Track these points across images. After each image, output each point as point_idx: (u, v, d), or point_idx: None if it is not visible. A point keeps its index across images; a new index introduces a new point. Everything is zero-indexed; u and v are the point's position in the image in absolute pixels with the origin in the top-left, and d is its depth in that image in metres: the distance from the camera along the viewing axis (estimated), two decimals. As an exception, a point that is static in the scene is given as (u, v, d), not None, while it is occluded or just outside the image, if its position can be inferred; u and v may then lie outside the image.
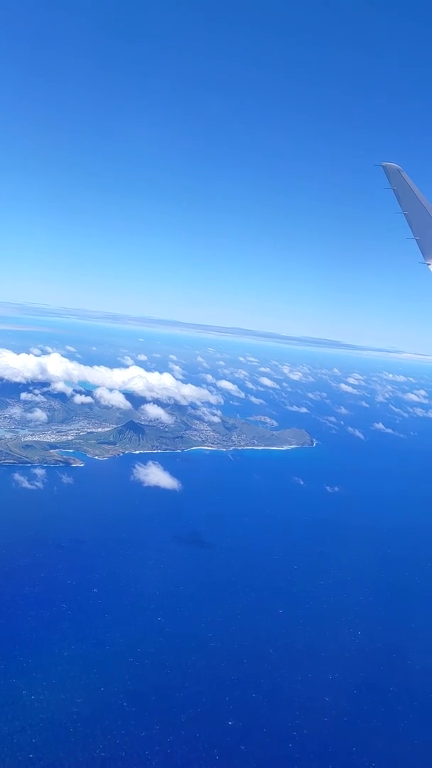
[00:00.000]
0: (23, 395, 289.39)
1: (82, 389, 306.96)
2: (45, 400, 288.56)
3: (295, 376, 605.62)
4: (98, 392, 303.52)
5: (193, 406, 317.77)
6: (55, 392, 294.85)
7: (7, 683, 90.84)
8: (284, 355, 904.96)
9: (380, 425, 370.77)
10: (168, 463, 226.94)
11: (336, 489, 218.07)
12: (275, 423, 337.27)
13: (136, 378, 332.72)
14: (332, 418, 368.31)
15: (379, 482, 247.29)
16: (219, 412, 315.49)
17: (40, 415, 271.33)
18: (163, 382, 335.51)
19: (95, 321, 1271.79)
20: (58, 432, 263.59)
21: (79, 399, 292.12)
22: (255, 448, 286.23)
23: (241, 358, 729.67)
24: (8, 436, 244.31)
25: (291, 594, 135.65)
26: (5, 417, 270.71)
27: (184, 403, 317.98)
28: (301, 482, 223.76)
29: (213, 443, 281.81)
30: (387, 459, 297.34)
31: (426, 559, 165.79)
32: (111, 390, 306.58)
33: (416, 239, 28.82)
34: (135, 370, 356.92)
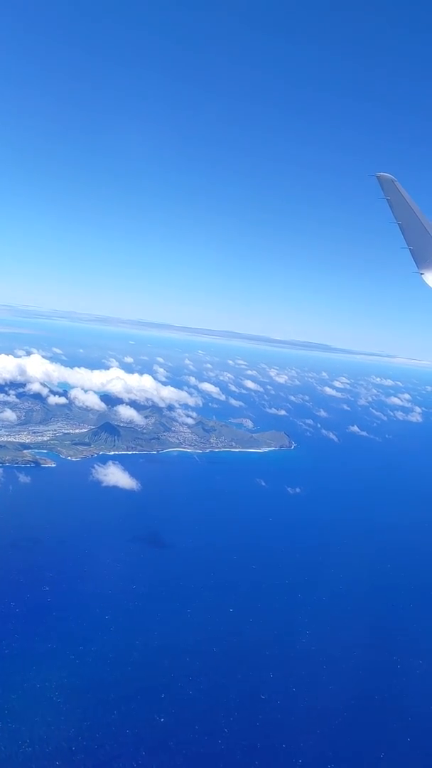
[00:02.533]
0: (6, 396, 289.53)
1: (60, 390, 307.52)
2: (19, 401, 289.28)
3: (281, 379, 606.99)
4: (73, 393, 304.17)
5: (171, 408, 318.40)
6: (31, 393, 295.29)
7: None
8: (275, 358, 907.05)
9: (356, 428, 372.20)
10: (138, 465, 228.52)
11: (297, 490, 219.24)
12: (255, 425, 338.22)
13: (115, 380, 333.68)
14: (309, 421, 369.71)
15: (342, 483, 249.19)
16: (195, 414, 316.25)
17: (11, 415, 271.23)
18: (143, 384, 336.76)
19: (85, 323, 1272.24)
20: (34, 433, 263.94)
21: (54, 400, 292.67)
22: (232, 450, 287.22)
23: (230, 361, 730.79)
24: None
25: (245, 593, 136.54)
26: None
27: (162, 405, 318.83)
28: (263, 483, 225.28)
29: (190, 445, 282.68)
30: (356, 461, 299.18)
31: (372, 552, 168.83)
32: (86, 391, 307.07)
33: (410, 249, 28.81)
34: (114, 372, 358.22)
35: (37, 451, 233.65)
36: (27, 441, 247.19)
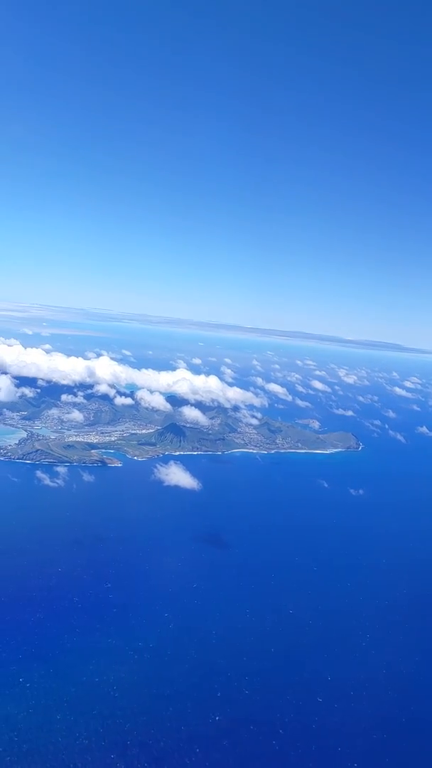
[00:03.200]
0: (68, 397, 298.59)
1: (126, 391, 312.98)
2: (86, 401, 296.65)
3: (350, 379, 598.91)
4: (139, 394, 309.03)
5: (237, 408, 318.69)
6: (99, 394, 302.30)
7: (7, 671, 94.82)
8: (345, 358, 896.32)
9: (424, 429, 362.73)
10: (201, 465, 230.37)
11: (360, 492, 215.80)
12: (322, 426, 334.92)
13: (181, 381, 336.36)
14: (377, 422, 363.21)
15: (406, 486, 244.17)
16: (260, 415, 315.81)
17: (78, 416, 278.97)
18: (209, 385, 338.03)
19: (156, 326, 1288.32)
20: (102, 433, 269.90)
21: (121, 401, 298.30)
22: (298, 451, 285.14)
23: (299, 362, 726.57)
24: (53, 436, 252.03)
25: (305, 595, 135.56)
26: (52, 418, 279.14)
27: (227, 405, 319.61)
28: (326, 485, 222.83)
29: (255, 446, 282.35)
30: (423, 463, 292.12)
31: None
32: (152, 392, 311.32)
33: None
34: (181, 373, 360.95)
35: (104, 450, 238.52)
36: (95, 441, 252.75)
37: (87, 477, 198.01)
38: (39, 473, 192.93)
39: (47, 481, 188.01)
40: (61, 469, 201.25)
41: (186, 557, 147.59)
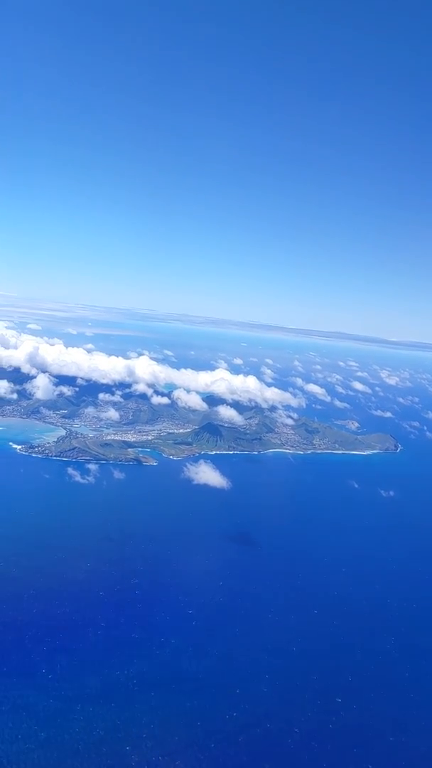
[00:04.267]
0: (106, 396, 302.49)
1: (164, 391, 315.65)
2: (123, 400, 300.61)
3: (392, 380, 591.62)
4: (176, 394, 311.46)
5: (274, 408, 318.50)
6: (137, 393, 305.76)
7: (31, 662, 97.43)
8: (388, 359, 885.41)
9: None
10: (236, 465, 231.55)
11: (391, 493, 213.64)
12: (361, 427, 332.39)
13: (219, 381, 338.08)
14: (416, 423, 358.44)
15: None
16: (297, 415, 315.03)
17: (114, 414, 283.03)
18: (247, 385, 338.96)
19: (199, 326, 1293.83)
20: (139, 432, 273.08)
21: (158, 400, 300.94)
22: (335, 452, 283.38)
23: (341, 363, 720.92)
24: (91, 434, 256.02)
25: (331, 595, 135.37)
26: (91, 416, 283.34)
27: (265, 405, 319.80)
28: (356, 486, 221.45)
29: (292, 446, 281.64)
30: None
31: None
32: (189, 392, 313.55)
33: None
34: (219, 373, 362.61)
35: (141, 449, 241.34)
36: (132, 440, 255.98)
37: (121, 475, 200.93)
38: (73, 470, 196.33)
39: (81, 479, 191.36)
40: (96, 467, 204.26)
41: (214, 555, 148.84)
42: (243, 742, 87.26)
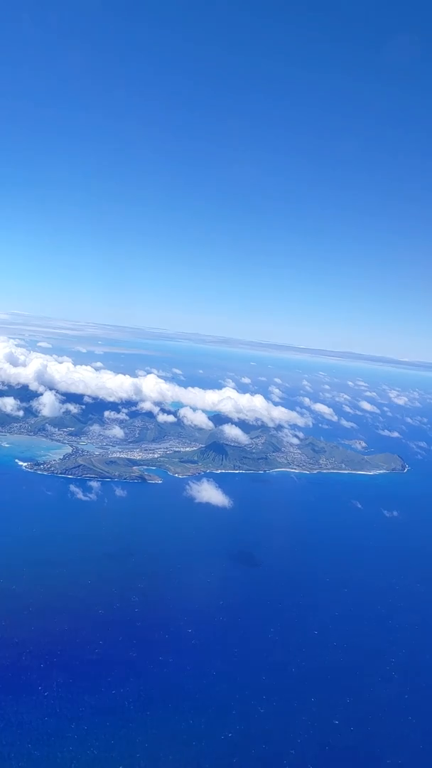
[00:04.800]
0: (112, 414, 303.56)
1: (170, 409, 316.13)
2: (128, 418, 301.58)
3: (400, 400, 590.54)
4: (182, 412, 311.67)
5: (280, 428, 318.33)
6: (143, 411, 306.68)
7: (28, 679, 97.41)
8: (398, 379, 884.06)
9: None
10: (240, 484, 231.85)
11: (394, 514, 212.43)
12: (368, 447, 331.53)
13: (226, 399, 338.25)
14: (423, 444, 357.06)
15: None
16: (304, 435, 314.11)
17: (119, 432, 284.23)
18: (254, 404, 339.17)
19: (209, 345, 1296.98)
20: (146, 450, 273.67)
21: (163, 418, 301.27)
22: (341, 471, 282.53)
23: (350, 383, 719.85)
24: (97, 452, 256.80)
25: (332, 616, 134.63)
26: (97, 434, 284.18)
27: (271, 425, 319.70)
28: (359, 506, 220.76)
29: (298, 465, 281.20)
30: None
31: None
32: (195, 410, 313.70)
33: None
34: (226, 392, 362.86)
35: (146, 467, 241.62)
36: (138, 457, 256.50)
37: (125, 493, 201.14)
38: (76, 488, 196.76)
39: (84, 496, 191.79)
40: (99, 485, 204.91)
41: (215, 574, 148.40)
42: (237, 764, 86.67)
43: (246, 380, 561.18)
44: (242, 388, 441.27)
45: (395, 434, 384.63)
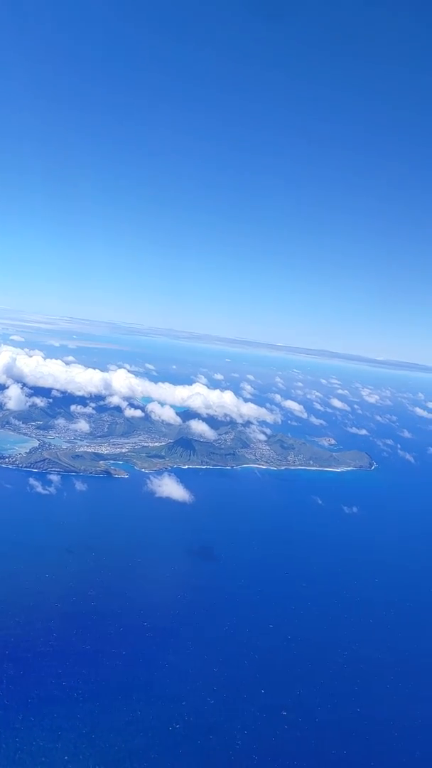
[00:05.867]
0: (79, 408, 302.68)
1: (139, 404, 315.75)
2: (95, 413, 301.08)
3: (372, 399, 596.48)
4: (150, 407, 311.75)
5: (249, 424, 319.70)
6: (111, 406, 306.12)
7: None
8: (372, 378, 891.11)
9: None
10: (205, 479, 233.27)
11: (354, 510, 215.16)
12: (337, 444, 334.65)
13: (195, 395, 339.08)
14: (389, 441, 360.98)
15: (405, 505, 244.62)
16: (273, 431, 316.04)
17: (85, 426, 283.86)
18: (224, 400, 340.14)
19: (184, 341, 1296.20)
20: (114, 444, 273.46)
21: (131, 413, 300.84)
22: (309, 468, 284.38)
23: (323, 380, 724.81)
24: (64, 446, 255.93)
25: (288, 610, 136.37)
26: (65, 428, 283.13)
27: (240, 421, 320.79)
28: (320, 502, 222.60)
29: (266, 462, 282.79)
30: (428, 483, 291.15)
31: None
32: (163, 405, 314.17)
33: None
34: (196, 388, 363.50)
35: (113, 462, 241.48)
36: (105, 452, 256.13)
37: (89, 487, 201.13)
38: (39, 482, 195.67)
39: (46, 490, 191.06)
40: (63, 479, 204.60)
41: (174, 568, 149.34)
42: (183, 754, 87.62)
43: (219, 377, 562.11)
44: (215, 385, 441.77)
45: (363, 432, 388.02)
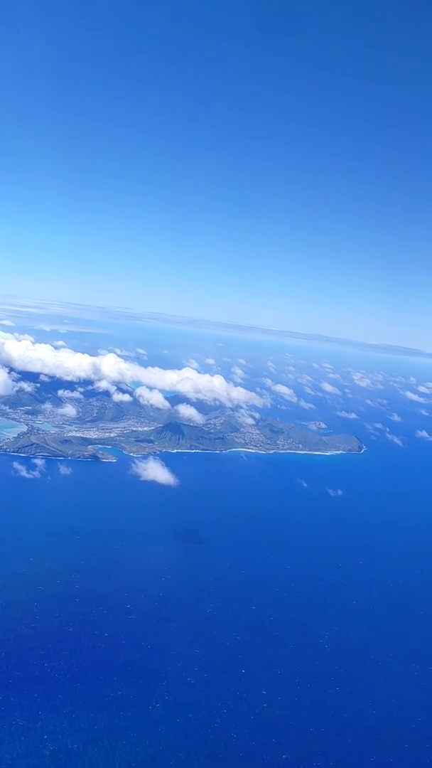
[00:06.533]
0: (66, 393, 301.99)
1: (128, 388, 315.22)
2: (85, 398, 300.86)
3: (363, 383, 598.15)
4: (138, 391, 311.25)
5: (238, 408, 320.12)
6: (100, 391, 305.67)
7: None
8: (364, 362, 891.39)
9: (424, 433, 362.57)
10: (193, 463, 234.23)
11: (339, 493, 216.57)
12: (327, 428, 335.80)
13: (185, 380, 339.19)
14: (378, 425, 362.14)
15: (391, 488, 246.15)
16: (262, 415, 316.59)
17: (71, 410, 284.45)
18: (213, 384, 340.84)
19: (176, 325, 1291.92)
20: (103, 429, 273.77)
21: (119, 397, 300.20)
22: (298, 452, 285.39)
23: (315, 365, 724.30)
24: (53, 431, 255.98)
25: (271, 591, 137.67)
26: (54, 413, 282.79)
27: (229, 405, 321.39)
28: (305, 485, 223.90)
29: (255, 446, 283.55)
30: (414, 467, 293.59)
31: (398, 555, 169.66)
32: (151, 390, 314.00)
33: None
34: (185, 372, 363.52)
35: (101, 446, 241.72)
36: (94, 437, 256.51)
37: (76, 471, 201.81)
38: (25, 466, 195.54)
39: (31, 474, 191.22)
40: (50, 463, 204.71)
41: (159, 551, 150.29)
42: (162, 732, 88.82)
43: (210, 361, 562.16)
44: (206, 369, 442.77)
45: (353, 416, 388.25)
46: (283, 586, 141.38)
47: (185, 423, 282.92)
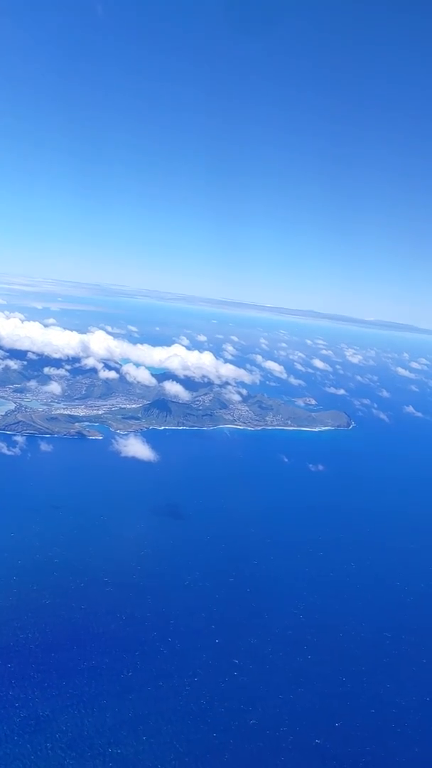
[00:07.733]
0: (52, 370, 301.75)
1: (114, 365, 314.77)
2: (72, 375, 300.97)
3: (355, 359, 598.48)
4: (125, 368, 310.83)
5: (227, 385, 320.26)
6: (87, 368, 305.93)
7: None
8: (358, 338, 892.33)
9: (411, 408, 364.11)
10: (179, 440, 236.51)
11: (320, 468, 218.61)
12: (317, 404, 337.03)
13: (173, 356, 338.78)
14: (366, 401, 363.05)
15: (372, 463, 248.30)
16: (251, 392, 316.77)
17: (56, 388, 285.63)
18: (202, 361, 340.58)
19: (170, 302, 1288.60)
20: (91, 406, 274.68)
21: (105, 374, 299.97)
22: (286, 428, 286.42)
23: (308, 341, 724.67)
24: (41, 408, 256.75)
25: (249, 564, 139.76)
26: (43, 391, 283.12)
27: (217, 382, 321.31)
28: (286, 460, 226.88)
29: (244, 422, 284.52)
30: (398, 442, 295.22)
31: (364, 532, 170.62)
32: (138, 366, 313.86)
33: None
34: (174, 349, 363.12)
35: (89, 424, 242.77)
36: (81, 414, 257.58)
37: (60, 448, 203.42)
38: (5, 443, 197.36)
39: (13, 451, 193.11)
40: (35, 441, 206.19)
41: (140, 527, 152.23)
42: (132, 700, 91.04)
43: (202, 338, 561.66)
44: (197, 346, 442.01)
45: (341, 392, 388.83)
46: (261, 558, 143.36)
47: (172, 400, 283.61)
